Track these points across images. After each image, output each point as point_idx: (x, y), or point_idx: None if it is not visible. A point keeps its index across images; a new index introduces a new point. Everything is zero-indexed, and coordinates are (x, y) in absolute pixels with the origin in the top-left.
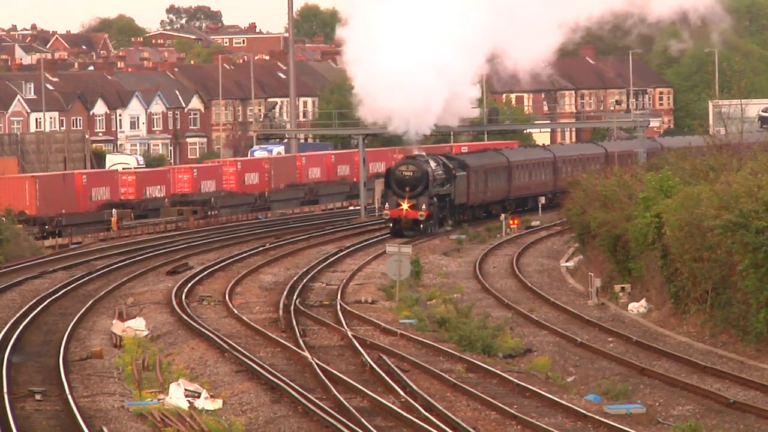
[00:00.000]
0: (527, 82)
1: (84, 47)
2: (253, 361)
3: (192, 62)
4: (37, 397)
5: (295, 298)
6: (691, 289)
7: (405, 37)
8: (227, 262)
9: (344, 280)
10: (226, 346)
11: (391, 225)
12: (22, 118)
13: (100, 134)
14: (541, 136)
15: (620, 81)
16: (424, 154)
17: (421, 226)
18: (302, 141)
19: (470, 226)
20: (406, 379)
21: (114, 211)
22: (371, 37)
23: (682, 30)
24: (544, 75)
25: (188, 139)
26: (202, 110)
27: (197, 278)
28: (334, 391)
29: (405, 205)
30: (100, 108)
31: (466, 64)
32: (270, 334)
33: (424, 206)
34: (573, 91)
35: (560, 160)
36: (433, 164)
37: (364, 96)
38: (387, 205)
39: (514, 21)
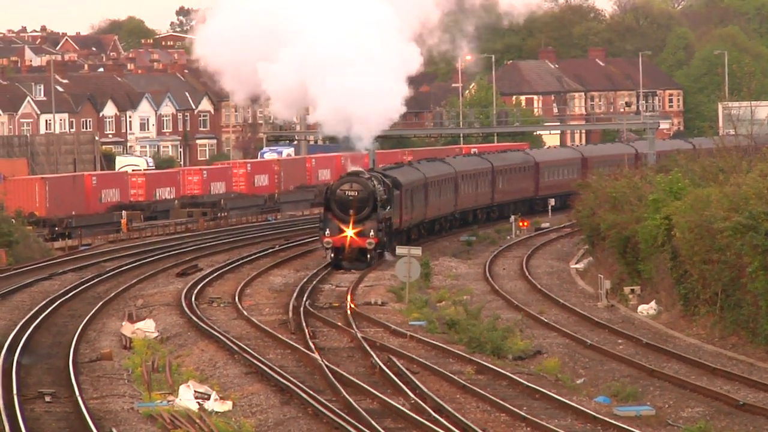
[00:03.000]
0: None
1: (94, 49)
2: (263, 363)
3: None
4: (47, 398)
5: (304, 299)
6: (700, 291)
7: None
8: (237, 263)
9: (354, 282)
10: (235, 348)
11: (331, 255)
12: (32, 120)
13: (110, 136)
14: (551, 138)
15: (630, 83)
16: (363, 169)
17: (368, 256)
18: (312, 143)
19: (480, 228)
20: (416, 381)
21: (124, 212)
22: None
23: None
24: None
25: (198, 141)
26: (212, 112)
27: (207, 280)
28: (344, 393)
29: (349, 231)
30: (109, 110)
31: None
32: (280, 336)
33: (372, 232)
34: (583, 93)
35: (460, 175)
36: (375, 182)
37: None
38: (327, 232)
39: None
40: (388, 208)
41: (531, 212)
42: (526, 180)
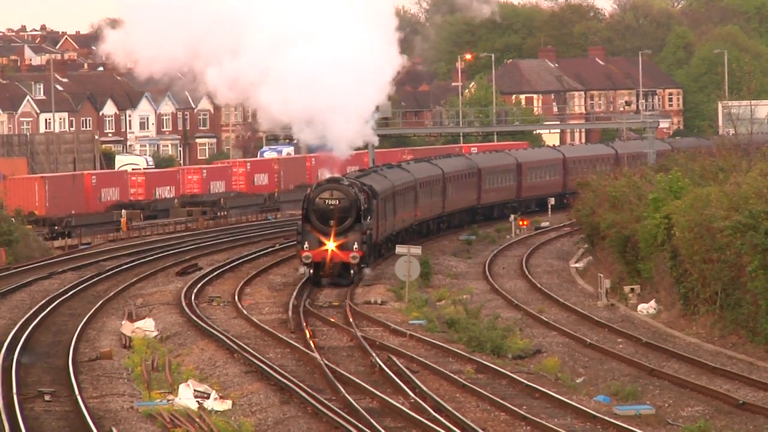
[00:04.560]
0: None
1: (93, 48)
2: (263, 362)
3: None
4: (47, 397)
5: (304, 298)
6: (700, 290)
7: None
8: (237, 262)
9: (354, 281)
10: (235, 347)
11: (310, 271)
12: (31, 119)
13: (110, 135)
14: (551, 137)
15: (630, 82)
16: (341, 176)
17: (351, 271)
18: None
19: (479, 227)
20: (416, 380)
21: (123, 211)
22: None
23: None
24: None
25: (198, 140)
26: (212, 111)
27: (207, 279)
28: (344, 392)
29: (331, 244)
30: (109, 108)
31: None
32: (279, 335)
33: (356, 245)
34: (582, 92)
35: (419, 182)
36: (356, 189)
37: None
38: (306, 245)
39: None
40: (369, 218)
41: (473, 222)
42: (470, 188)
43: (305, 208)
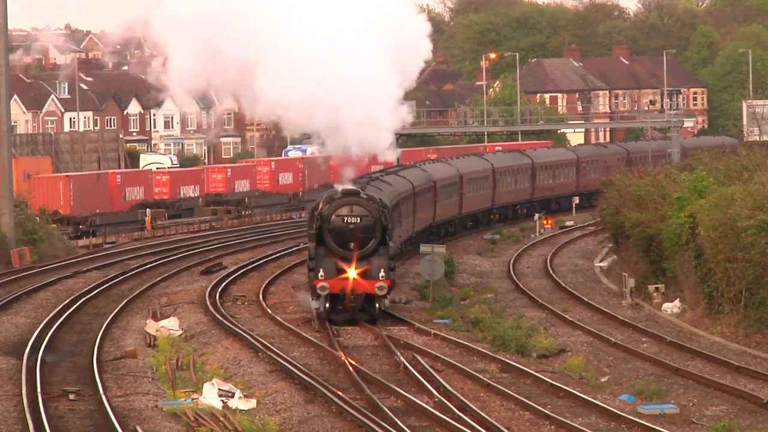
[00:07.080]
0: None
1: (118, 47)
2: (287, 361)
3: None
4: (71, 396)
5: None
6: (725, 289)
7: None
8: (261, 261)
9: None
10: (259, 346)
11: (325, 306)
12: (56, 118)
13: (134, 134)
14: (575, 137)
15: (654, 81)
16: (356, 188)
17: (377, 304)
18: None
19: (503, 227)
20: (440, 379)
21: (148, 210)
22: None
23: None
24: None
25: (222, 139)
26: (237, 110)
27: (231, 278)
28: (368, 391)
29: (352, 272)
30: (134, 108)
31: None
32: (304, 334)
33: (382, 272)
34: (607, 91)
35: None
36: (378, 204)
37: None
38: (321, 273)
39: None
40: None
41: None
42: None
43: (319, 227)
